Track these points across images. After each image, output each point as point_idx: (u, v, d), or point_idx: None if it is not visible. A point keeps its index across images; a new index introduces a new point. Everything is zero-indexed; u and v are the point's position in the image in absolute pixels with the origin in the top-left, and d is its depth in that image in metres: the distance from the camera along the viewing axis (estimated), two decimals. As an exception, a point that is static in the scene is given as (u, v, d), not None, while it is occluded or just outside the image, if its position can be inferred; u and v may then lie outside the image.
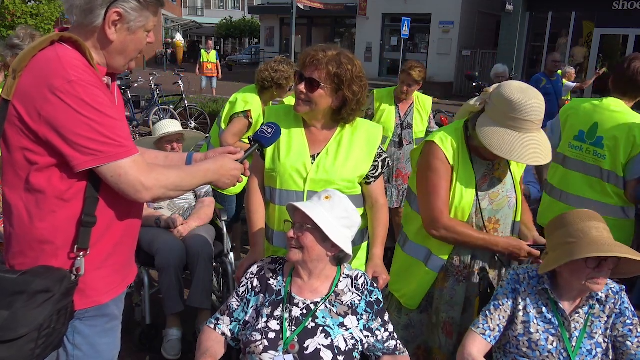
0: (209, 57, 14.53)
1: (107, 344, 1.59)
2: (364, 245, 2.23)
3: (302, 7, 20.19)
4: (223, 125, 3.71)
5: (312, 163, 2.02)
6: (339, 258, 1.85)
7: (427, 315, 2.27)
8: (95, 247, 1.46)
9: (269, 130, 1.82)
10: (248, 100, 3.63)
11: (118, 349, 1.68)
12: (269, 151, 2.07)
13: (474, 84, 16.67)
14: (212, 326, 1.86)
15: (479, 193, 2.07)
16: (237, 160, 1.66)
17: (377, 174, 2.12)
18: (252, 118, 3.62)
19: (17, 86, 1.34)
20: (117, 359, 1.69)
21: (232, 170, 1.62)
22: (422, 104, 4.40)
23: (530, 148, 1.89)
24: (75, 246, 1.43)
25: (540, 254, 2.00)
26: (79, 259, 1.43)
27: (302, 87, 1.96)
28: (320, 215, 1.71)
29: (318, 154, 2.04)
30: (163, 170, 1.46)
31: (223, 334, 1.84)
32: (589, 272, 1.72)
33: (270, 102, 3.75)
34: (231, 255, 3.32)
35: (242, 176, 1.69)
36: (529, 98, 1.88)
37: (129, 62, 1.52)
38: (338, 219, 1.75)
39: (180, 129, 3.46)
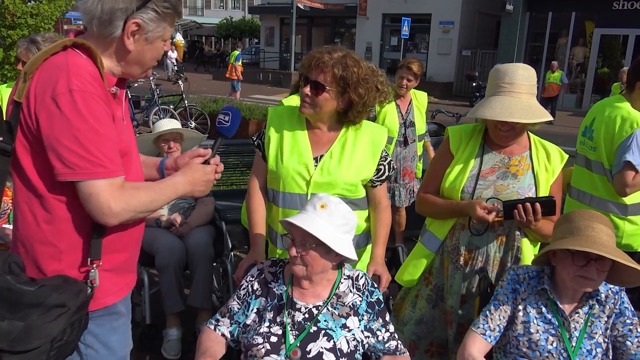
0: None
1: (118, 341, 1.60)
2: (369, 247, 2.20)
3: (302, 7, 20.21)
4: None
5: (315, 165, 2.01)
6: (341, 261, 1.84)
7: (439, 310, 2.31)
8: (104, 253, 1.47)
9: (226, 119, 1.71)
10: None
11: (130, 347, 1.69)
12: (272, 153, 2.05)
13: (474, 84, 16.78)
14: (212, 327, 1.85)
15: (480, 182, 2.13)
16: (205, 162, 1.61)
17: (383, 177, 2.11)
18: None
19: (27, 89, 1.35)
20: (129, 356, 1.69)
21: (204, 176, 1.58)
22: (420, 100, 4.44)
23: (495, 104, 2.00)
24: (89, 258, 1.43)
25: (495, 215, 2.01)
26: (92, 270, 1.44)
27: (307, 89, 1.94)
28: (321, 230, 1.67)
29: (321, 156, 2.02)
30: (134, 192, 1.42)
31: (223, 335, 1.83)
32: (576, 269, 1.73)
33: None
34: (231, 255, 3.32)
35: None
36: (502, 65, 2.07)
37: (145, 70, 1.54)
38: (338, 227, 1.71)
39: (179, 127, 3.40)
